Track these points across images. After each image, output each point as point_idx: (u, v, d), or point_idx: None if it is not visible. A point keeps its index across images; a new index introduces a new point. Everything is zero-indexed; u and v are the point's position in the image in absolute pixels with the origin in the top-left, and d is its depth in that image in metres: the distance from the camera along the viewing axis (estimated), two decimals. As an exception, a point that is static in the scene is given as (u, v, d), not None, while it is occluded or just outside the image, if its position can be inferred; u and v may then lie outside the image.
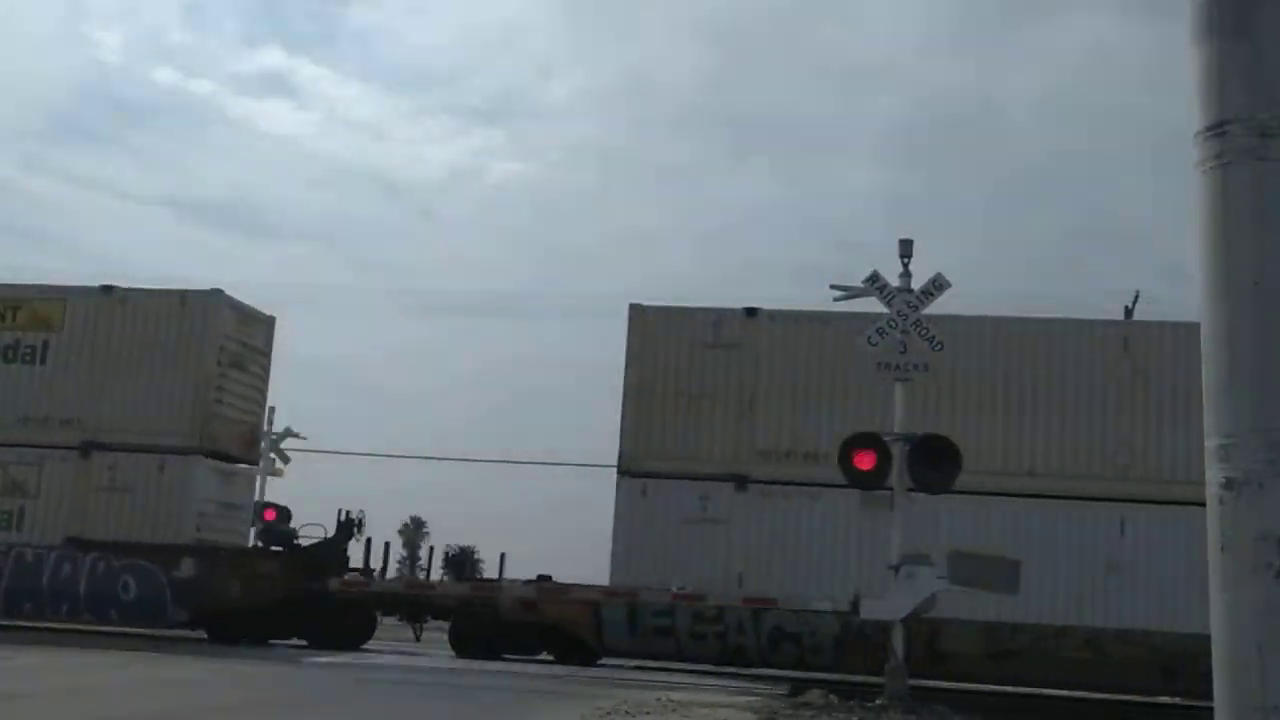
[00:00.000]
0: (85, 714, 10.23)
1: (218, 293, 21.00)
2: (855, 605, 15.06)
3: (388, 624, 23.28)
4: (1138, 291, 39.95)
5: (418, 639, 22.76)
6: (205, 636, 20.25)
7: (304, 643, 20.13)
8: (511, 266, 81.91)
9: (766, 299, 19.92)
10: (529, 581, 20.15)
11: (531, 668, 18.20)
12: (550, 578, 19.91)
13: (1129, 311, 39.79)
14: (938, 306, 15.21)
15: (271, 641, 20.00)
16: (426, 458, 40.09)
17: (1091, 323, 19.54)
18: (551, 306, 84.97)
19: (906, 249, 15.18)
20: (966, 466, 14.67)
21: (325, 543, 21.02)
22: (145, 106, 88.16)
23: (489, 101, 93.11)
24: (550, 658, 20.04)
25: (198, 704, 11.13)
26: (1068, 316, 19.53)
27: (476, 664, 17.86)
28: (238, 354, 21.48)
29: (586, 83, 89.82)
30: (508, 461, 35.38)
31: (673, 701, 12.78)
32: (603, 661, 19.48)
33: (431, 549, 25.17)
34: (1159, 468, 18.33)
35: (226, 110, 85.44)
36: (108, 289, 21.03)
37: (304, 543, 21.30)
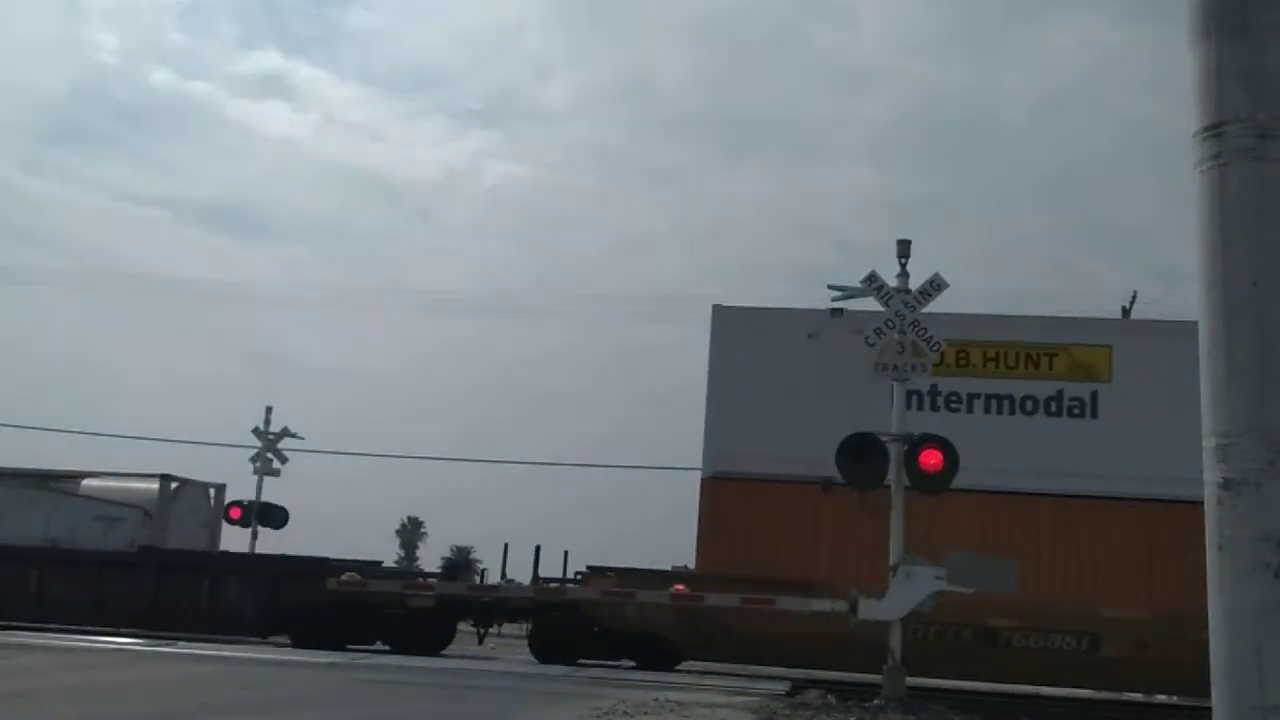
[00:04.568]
0: (85, 714, 10.24)
1: None
2: (854, 606, 15.06)
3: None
4: (1135, 292, 40.02)
5: None
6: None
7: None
8: (510, 267, 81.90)
9: (765, 298, 20.06)
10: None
11: (531, 668, 18.19)
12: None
13: (1126, 311, 39.95)
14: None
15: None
16: (425, 458, 40.01)
17: None
18: (550, 307, 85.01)
19: (904, 249, 15.19)
20: None
21: None
22: (144, 108, 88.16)
23: (486, 103, 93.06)
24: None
25: (198, 704, 11.12)
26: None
27: (476, 664, 17.86)
28: None
29: (583, 84, 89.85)
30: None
31: (671, 701, 12.79)
32: (601, 661, 19.48)
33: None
34: None
35: (224, 112, 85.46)
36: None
37: None
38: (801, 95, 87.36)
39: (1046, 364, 18.58)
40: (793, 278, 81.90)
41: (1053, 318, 19.49)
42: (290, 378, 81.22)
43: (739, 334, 19.48)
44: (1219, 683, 3.34)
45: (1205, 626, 3.30)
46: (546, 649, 19.49)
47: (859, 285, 15.16)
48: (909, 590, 14.25)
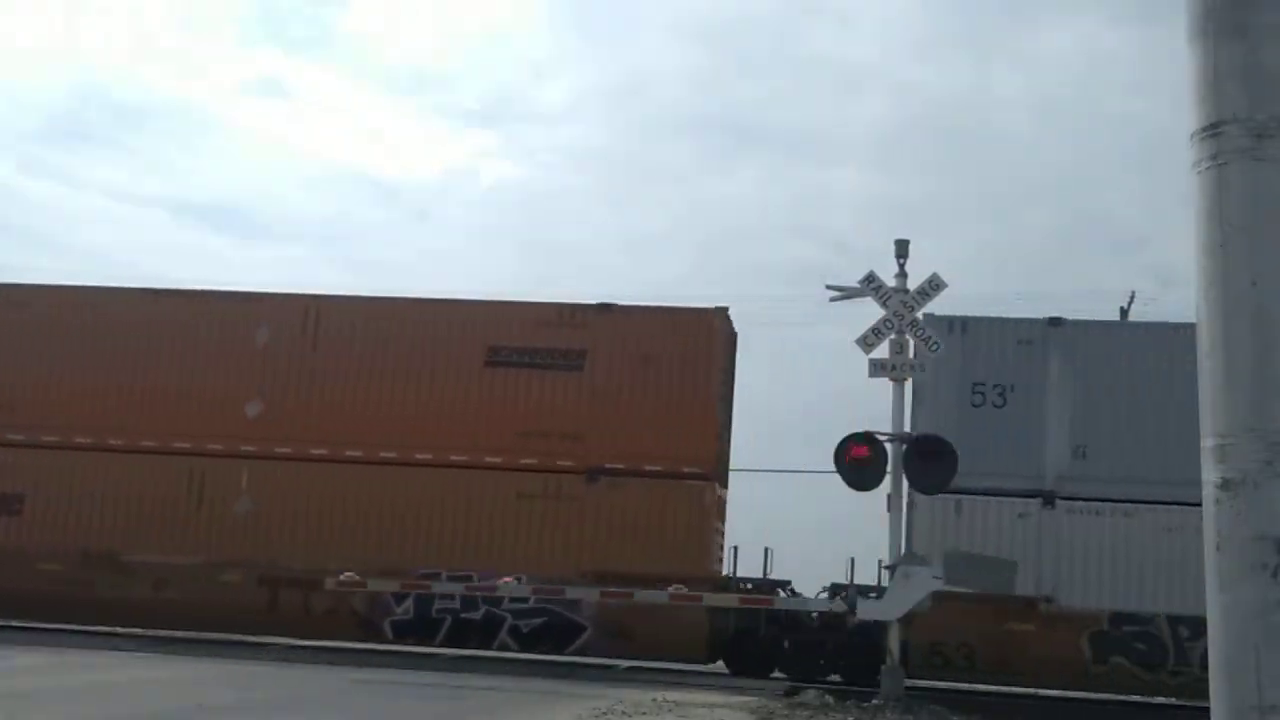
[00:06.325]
0: (85, 714, 10.23)
1: None
2: (852, 606, 15.06)
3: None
4: (1134, 292, 39.92)
5: None
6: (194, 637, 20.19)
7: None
8: (508, 268, 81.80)
9: (764, 299, 20.03)
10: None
11: (529, 667, 18.18)
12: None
13: (1124, 312, 39.90)
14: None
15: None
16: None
17: None
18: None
19: (902, 249, 15.19)
20: None
21: None
22: (142, 109, 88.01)
23: (483, 104, 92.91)
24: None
25: (198, 704, 11.12)
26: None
27: (473, 664, 17.85)
28: None
29: (580, 85, 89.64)
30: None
31: (669, 701, 12.79)
32: (601, 661, 19.46)
33: None
34: None
35: (223, 112, 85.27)
36: None
37: None
38: (799, 95, 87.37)
39: None
40: (792, 278, 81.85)
41: None
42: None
43: None
44: (1217, 682, 3.33)
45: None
46: None
47: (857, 285, 15.16)
48: (907, 590, 14.25)
